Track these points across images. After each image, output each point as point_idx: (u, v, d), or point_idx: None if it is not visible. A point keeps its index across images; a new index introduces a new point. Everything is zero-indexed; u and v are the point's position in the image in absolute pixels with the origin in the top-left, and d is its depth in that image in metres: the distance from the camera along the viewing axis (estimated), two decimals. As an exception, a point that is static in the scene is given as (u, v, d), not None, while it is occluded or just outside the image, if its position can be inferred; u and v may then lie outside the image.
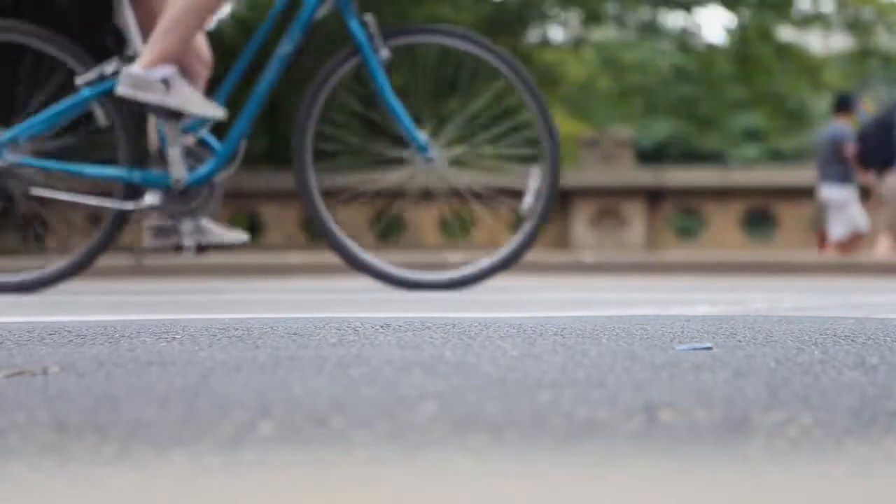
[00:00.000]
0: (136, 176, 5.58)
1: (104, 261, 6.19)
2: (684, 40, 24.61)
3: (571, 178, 16.22)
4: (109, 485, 1.33)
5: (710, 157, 30.69)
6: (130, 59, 5.50)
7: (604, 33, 27.54)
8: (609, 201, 15.94)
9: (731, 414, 1.63)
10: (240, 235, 5.60)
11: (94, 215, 6.84)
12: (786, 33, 24.71)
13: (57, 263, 5.72)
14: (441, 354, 2.18)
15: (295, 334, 2.53)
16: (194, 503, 1.27)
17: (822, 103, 31.32)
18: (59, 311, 4.43)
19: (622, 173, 16.09)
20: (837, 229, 13.89)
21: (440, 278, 5.79)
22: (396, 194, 6.31)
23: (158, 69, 5.37)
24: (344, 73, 5.66)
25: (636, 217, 15.90)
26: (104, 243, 5.68)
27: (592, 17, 23.83)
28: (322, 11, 5.63)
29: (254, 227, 16.90)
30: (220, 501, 1.27)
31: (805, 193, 15.53)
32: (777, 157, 33.78)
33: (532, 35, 24.46)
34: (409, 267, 5.91)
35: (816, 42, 28.10)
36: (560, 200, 16.05)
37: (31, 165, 5.56)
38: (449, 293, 5.68)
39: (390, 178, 5.80)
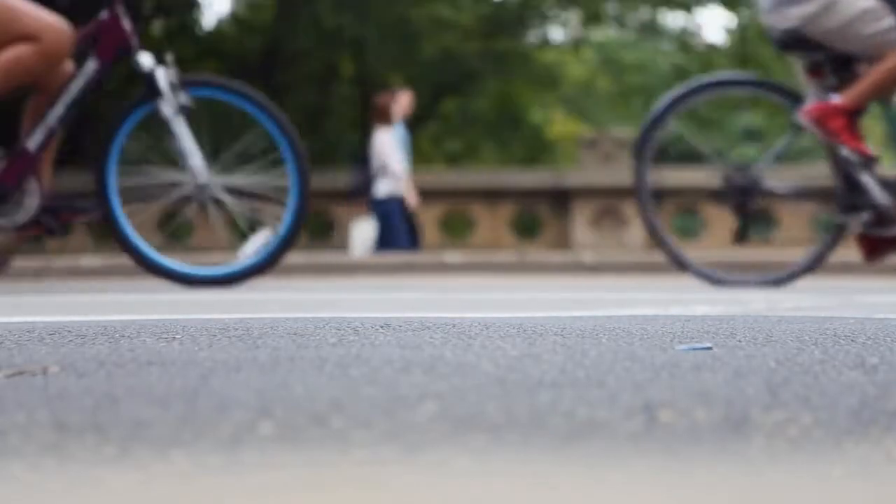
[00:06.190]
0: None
1: (102, 261, 6.17)
2: (684, 40, 24.61)
3: (571, 178, 16.20)
4: (109, 485, 1.33)
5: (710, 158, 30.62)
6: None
7: (604, 33, 27.53)
8: (609, 201, 15.93)
9: (731, 414, 1.63)
10: None
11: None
12: (786, 33, 24.68)
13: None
14: (441, 354, 2.18)
15: (295, 334, 2.53)
16: (194, 503, 1.27)
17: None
18: (59, 311, 4.43)
19: (622, 173, 16.06)
20: None
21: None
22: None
23: None
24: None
25: (636, 217, 15.88)
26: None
27: (592, 18, 23.82)
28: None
29: (253, 228, 16.85)
30: (220, 501, 1.27)
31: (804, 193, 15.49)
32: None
33: (532, 35, 24.45)
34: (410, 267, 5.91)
35: (816, 42, 28.06)
36: (560, 200, 16.07)
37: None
38: (448, 294, 5.68)
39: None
